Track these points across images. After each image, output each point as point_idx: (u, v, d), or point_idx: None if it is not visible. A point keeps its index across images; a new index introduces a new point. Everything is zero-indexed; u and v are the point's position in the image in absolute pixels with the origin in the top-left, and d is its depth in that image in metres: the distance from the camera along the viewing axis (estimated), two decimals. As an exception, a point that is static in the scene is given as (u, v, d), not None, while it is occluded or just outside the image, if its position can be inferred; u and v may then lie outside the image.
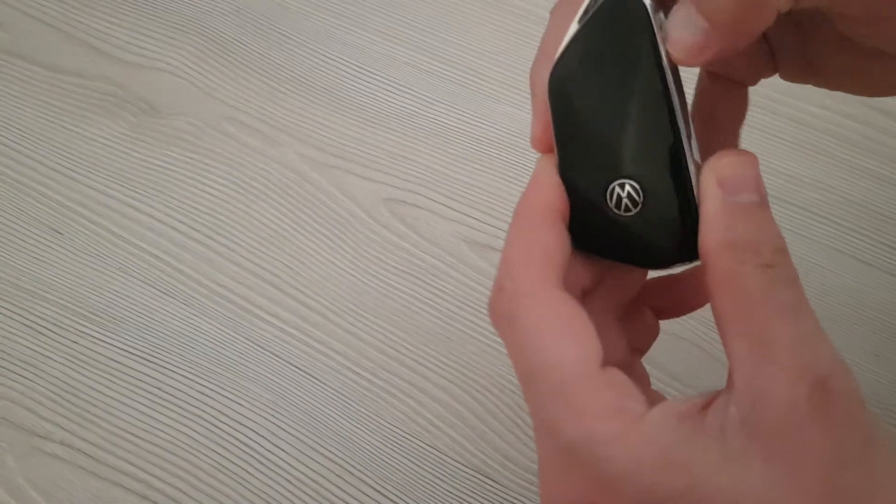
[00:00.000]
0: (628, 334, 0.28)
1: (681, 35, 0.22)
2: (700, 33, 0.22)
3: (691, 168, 0.23)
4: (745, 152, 0.22)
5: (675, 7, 0.22)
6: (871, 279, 0.41)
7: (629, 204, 0.23)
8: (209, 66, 0.50)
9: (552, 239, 0.23)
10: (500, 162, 0.46)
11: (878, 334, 0.40)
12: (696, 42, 0.22)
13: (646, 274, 0.28)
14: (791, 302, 0.21)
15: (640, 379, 0.28)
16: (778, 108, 0.46)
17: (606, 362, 0.22)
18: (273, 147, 0.46)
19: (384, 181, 0.45)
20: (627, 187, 0.23)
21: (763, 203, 0.22)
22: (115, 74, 0.49)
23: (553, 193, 0.24)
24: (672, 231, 0.23)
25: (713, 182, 0.22)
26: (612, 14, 0.22)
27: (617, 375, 0.22)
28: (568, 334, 0.22)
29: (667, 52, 0.22)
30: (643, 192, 0.23)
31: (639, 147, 0.23)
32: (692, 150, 0.23)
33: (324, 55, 0.50)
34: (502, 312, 0.23)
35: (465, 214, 0.44)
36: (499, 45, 0.50)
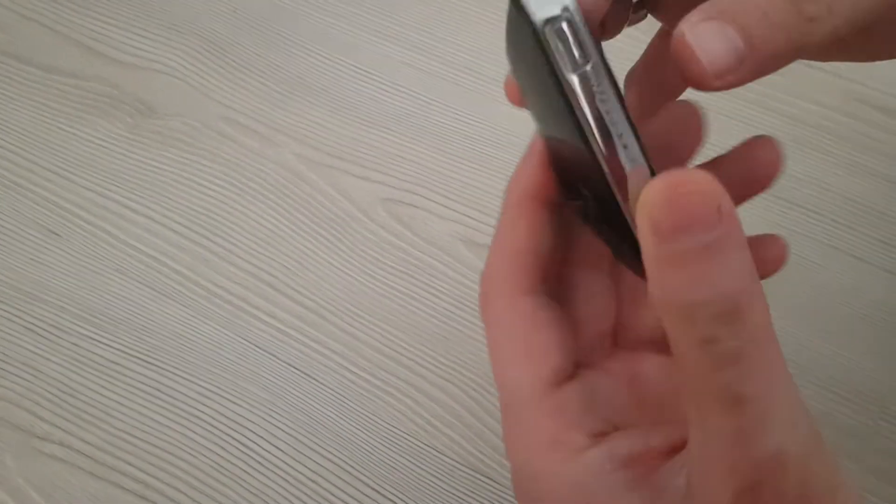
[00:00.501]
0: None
1: (711, 51, 0.18)
2: (732, 54, 0.18)
3: (631, 179, 0.19)
4: (689, 175, 0.16)
5: (692, 16, 0.18)
6: (868, 276, 0.41)
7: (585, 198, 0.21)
8: (206, 67, 0.50)
9: (524, 235, 0.22)
10: (498, 161, 0.46)
11: (875, 331, 0.40)
12: (727, 64, 0.18)
13: None
14: (731, 387, 0.16)
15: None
16: (771, 103, 0.46)
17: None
18: (270, 147, 0.46)
19: (381, 181, 0.45)
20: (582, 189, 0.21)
21: (713, 245, 0.16)
22: (111, 75, 0.49)
23: (530, 174, 0.23)
24: (624, 243, 0.20)
25: (646, 223, 0.16)
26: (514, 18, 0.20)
27: (568, 399, 0.21)
28: (523, 351, 0.21)
29: (583, 44, 0.19)
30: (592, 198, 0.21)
31: (570, 153, 0.20)
32: (632, 156, 0.19)
33: (320, 55, 0.50)
34: (482, 313, 0.23)
35: (463, 214, 0.44)
36: (495, 44, 0.50)
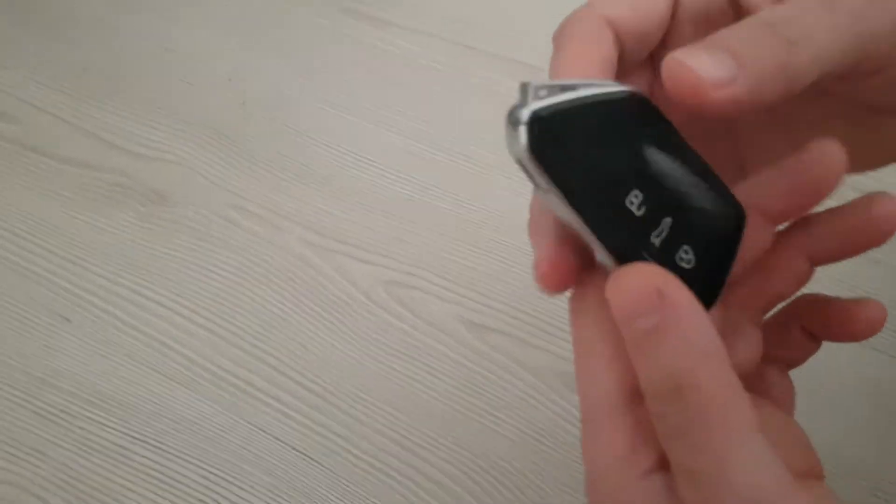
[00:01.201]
0: (771, 345, 0.26)
1: (705, 67, 0.19)
2: (725, 70, 0.19)
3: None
4: (630, 267, 0.19)
5: (679, 50, 0.20)
6: (858, 354, 0.42)
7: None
8: (215, 157, 0.52)
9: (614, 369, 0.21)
10: (496, 244, 0.47)
11: (866, 408, 0.40)
12: (721, 78, 0.19)
13: (793, 286, 0.25)
14: (681, 460, 0.18)
15: (769, 392, 0.26)
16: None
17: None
18: (276, 233, 0.48)
19: (383, 264, 0.47)
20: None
21: (656, 328, 0.18)
22: (124, 165, 0.52)
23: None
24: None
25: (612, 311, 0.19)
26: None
27: (646, 417, 0.20)
28: (605, 362, 0.21)
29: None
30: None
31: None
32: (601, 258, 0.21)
33: (325, 144, 0.52)
34: (572, 314, 0.22)
35: (462, 296, 0.45)
36: (491, 132, 0.52)
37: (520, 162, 0.21)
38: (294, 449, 0.40)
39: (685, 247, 0.22)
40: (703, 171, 0.22)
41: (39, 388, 0.43)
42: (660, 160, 0.22)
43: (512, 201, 0.49)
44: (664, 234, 0.22)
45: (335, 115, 0.54)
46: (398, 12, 0.60)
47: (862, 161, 0.25)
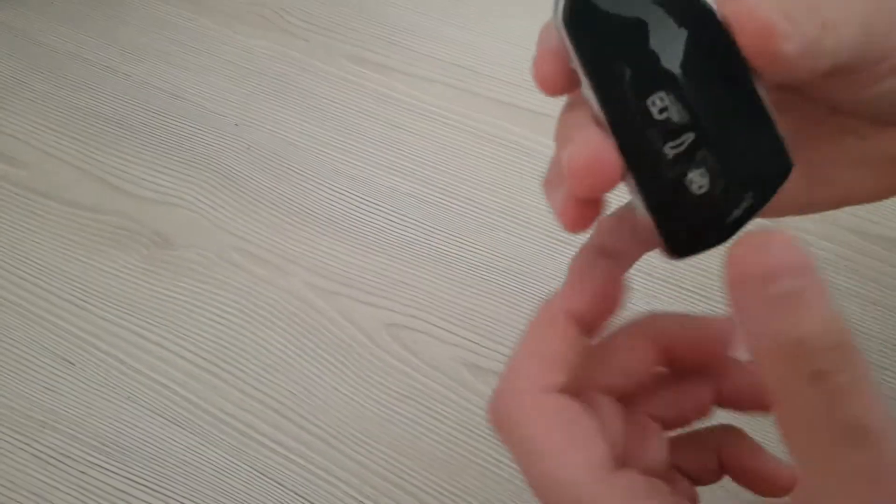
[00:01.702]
0: (679, 459, 0.26)
1: (775, 16, 0.20)
2: (785, 26, 0.20)
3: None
4: (775, 232, 0.18)
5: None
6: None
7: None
8: (220, 200, 0.52)
9: (555, 343, 0.23)
10: (499, 287, 0.47)
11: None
12: (786, 31, 0.20)
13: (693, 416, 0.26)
14: (850, 421, 0.17)
15: (676, 486, 0.26)
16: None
17: (636, 467, 0.21)
18: (280, 276, 0.48)
19: (386, 307, 0.47)
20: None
21: (806, 286, 0.17)
22: (129, 209, 0.52)
23: (566, 298, 0.24)
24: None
25: (746, 274, 0.18)
26: None
27: (634, 479, 0.21)
28: (570, 439, 0.21)
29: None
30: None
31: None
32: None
33: (329, 188, 0.53)
34: (502, 413, 0.23)
35: (466, 339, 0.45)
36: (494, 176, 0.53)
37: (558, 30, 0.20)
38: (296, 494, 0.40)
39: (701, 170, 0.21)
40: (748, 99, 0.21)
41: (40, 430, 0.42)
42: (699, 71, 0.20)
43: (514, 245, 0.49)
44: (681, 148, 0.21)
45: (339, 159, 0.54)
46: (402, 58, 0.61)
47: (859, 189, 0.26)
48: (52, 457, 0.42)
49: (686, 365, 0.26)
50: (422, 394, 0.43)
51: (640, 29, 0.20)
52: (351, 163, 0.54)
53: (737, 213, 0.21)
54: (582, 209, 0.22)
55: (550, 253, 0.48)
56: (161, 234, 0.51)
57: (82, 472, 0.41)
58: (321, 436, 0.42)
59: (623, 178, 0.21)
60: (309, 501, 0.40)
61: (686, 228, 0.21)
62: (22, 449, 0.42)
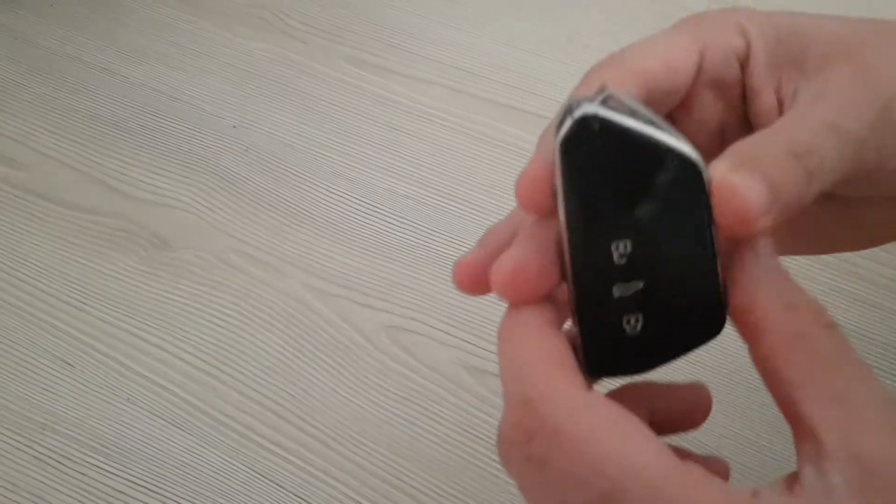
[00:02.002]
0: None
1: (751, 194, 0.21)
2: (765, 198, 0.21)
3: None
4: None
5: (722, 163, 0.21)
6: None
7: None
8: (218, 202, 0.52)
9: (557, 342, 0.22)
10: (496, 289, 0.47)
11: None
12: (764, 205, 0.21)
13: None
14: (860, 362, 0.21)
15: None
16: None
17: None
18: (279, 278, 0.48)
19: (385, 309, 0.47)
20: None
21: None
22: (128, 210, 0.52)
23: (543, 306, 0.23)
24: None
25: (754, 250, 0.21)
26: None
27: (698, 467, 0.21)
28: (635, 428, 0.21)
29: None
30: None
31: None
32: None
33: (328, 190, 0.53)
34: (535, 428, 0.21)
35: (464, 340, 0.45)
36: (492, 178, 0.53)
37: (554, 147, 0.21)
38: (295, 495, 0.40)
39: (638, 315, 0.22)
40: (704, 265, 0.22)
41: (40, 432, 0.43)
42: (669, 230, 0.21)
43: (512, 246, 0.49)
44: (628, 293, 0.22)
45: (337, 161, 0.54)
46: (400, 61, 0.61)
47: (843, 243, 0.29)
48: (51, 458, 0.42)
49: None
50: (420, 395, 0.43)
51: (629, 173, 0.21)
52: (349, 165, 0.54)
53: (659, 357, 0.23)
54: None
55: (548, 255, 0.48)
56: (159, 235, 0.51)
57: (82, 474, 0.41)
58: (320, 437, 0.42)
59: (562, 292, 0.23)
60: (307, 502, 0.40)
61: (609, 357, 0.23)
62: (21, 450, 0.42)
